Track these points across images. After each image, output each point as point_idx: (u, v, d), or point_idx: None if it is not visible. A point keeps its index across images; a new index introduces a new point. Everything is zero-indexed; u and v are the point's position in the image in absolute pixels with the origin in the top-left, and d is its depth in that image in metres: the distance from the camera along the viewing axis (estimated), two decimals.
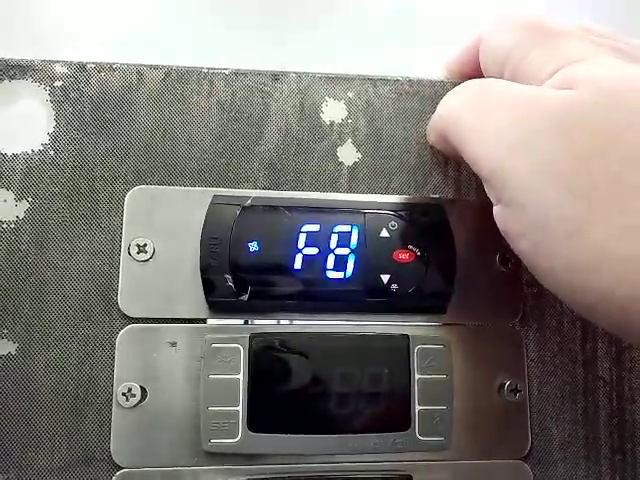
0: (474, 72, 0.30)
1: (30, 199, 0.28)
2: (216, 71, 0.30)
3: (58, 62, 0.29)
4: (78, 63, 0.29)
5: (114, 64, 0.29)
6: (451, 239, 0.29)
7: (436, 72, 0.32)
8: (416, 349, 0.28)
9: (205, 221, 0.28)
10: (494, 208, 0.24)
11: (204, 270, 0.27)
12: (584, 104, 0.21)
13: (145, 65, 0.30)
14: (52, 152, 0.28)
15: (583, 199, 0.20)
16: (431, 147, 0.30)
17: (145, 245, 0.28)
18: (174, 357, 0.27)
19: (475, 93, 0.25)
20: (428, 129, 0.30)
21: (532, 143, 0.22)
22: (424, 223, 0.29)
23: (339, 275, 0.28)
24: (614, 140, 0.20)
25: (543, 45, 0.24)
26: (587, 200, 0.20)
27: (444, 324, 0.29)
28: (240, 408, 0.27)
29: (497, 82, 0.25)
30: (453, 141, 0.26)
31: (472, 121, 0.24)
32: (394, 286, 0.28)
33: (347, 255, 0.28)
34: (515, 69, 0.25)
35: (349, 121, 0.30)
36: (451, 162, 0.31)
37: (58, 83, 0.29)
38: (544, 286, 0.23)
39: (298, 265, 0.28)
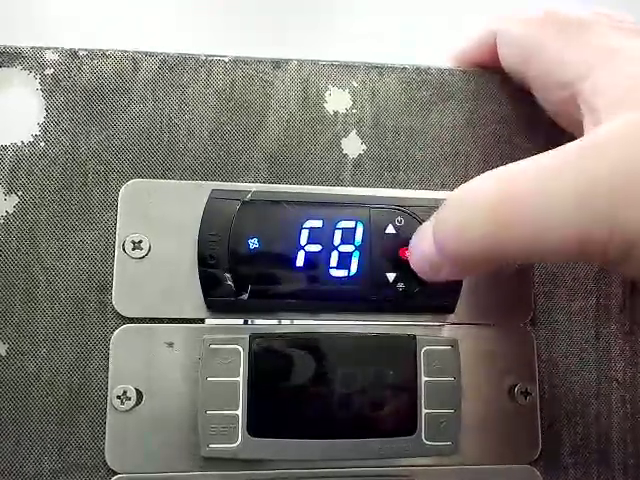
0: (485, 62, 0.29)
1: (20, 193, 0.26)
2: (214, 58, 0.29)
3: (49, 49, 0.28)
4: (69, 50, 0.28)
5: (107, 51, 0.28)
6: None
7: (445, 60, 0.31)
8: (423, 350, 0.27)
9: (203, 216, 0.27)
10: (620, 268, 0.21)
11: (202, 268, 0.26)
12: None
13: (140, 52, 0.28)
14: (43, 144, 0.27)
15: None
16: (439, 136, 0.29)
17: (140, 242, 0.27)
18: (171, 358, 0.26)
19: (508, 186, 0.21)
20: (429, 271, 0.25)
21: (630, 189, 0.19)
22: None
23: (343, 273, 0.27)
24: None
25: (572, 37, 0.23)
26: None
27: (452, 324, 0.28)
28: (240, 412, 0.26)
29: (519, 163, 0.22)
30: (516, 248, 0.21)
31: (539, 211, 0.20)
32: (400, 285, 0.27)
33: (351, 252, 0.27)
34: (543, 62, 0.24)
35: (354, 111, 0.29)
36: (460, 155, 0.29)
37: (49, 71, 0.27)
38: None
39: (300, 263, 0.27)
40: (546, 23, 0.24)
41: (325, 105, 0.29)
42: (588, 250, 0.19)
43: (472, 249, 0.22)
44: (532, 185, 0.20)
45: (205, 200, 0.27)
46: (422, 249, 0.24)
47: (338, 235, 0.27)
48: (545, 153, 0.21)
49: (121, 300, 0.26)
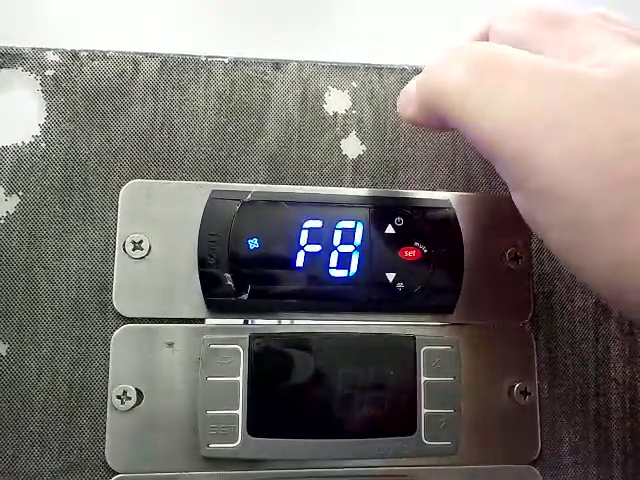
0: None
1: (20, 193, 0.26)
2: (215, 59, 0.29)
3: (49, 50, 0.28)
4: (70, 51, 0.28)
5: (108, 52, 0.28)
6: (459, 235, 0.28)
7: None
8: (422, 350, 0.27)
9: (203, 216, 0.27)
10: (514, 194, 0.21)
11: (202, 268, 0.26)
12: (630, 80, 0.19)
13: (140, 53, 0.28)
14: (43, 144, 0.27)
15: (633, 186, 0.18)
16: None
17: (141, 242, 0.27)
18: (171, 358, 0.26)
19: (487, 59, 0.22)
20: (404, 101, 0.25)
21: (574, 122, 0.19)
22: (431, 219, 0.28)
23: (343, 273, 0.27)
24: None
25: (558, 34, 0.23)
26: (637, 186, 0.18)
27: (451, 324, 0.28)
28: (239, 411, 0.26)
29: (513, 50, 0.22)
30: (453, 116, 0.22)
31: (489, 93, 0.21)
32: (400, 285, 0.27)
33: (351, 252, 0.27)
34: None
35: (353, 112, 0.29)
36: (459, 155, 0.29)
37: (49, 72, 0.27)
38: (584, 284, 0.21)
39: (300, 263, 0.27)
40: (535, 20, 0.24)
41: (325, 106, 0.29)
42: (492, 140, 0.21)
43: (439, 88, 0.22)
44: (524, 72, 0.21)
45: (205, 200, 0.27)
46: (409, 86, 0.25)
47: (338, 235, 0.27)
48: (547, 59, 0.21)
49: (121, 300, 0.26)
